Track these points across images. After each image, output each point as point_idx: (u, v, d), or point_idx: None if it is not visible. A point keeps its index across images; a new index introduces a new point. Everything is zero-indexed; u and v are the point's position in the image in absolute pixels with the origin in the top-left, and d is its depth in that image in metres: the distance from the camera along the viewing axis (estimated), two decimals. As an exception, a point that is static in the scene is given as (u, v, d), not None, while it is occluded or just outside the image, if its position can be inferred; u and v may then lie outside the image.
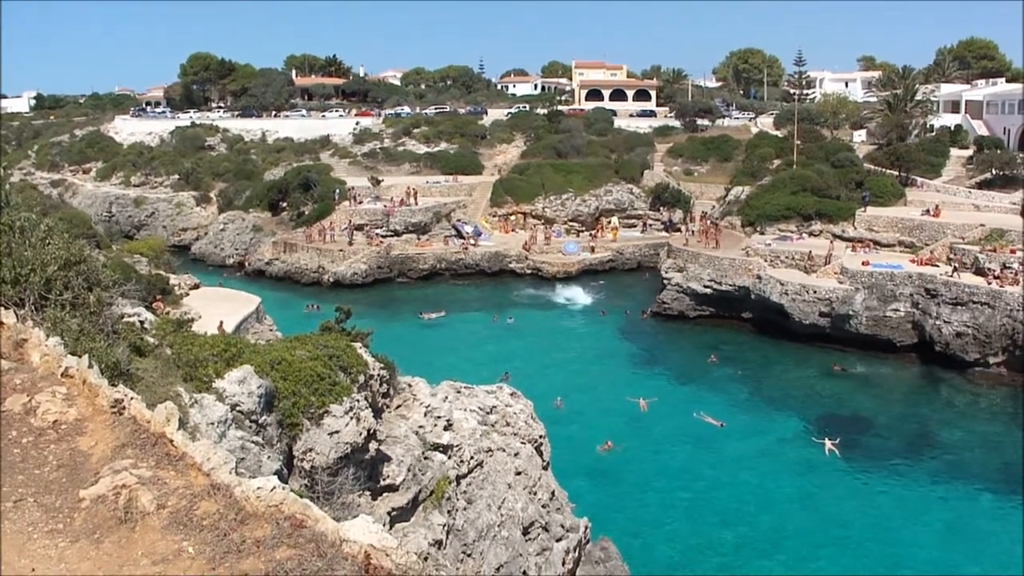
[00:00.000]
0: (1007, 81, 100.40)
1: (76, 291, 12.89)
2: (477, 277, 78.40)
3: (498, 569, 21.90)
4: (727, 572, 31.71)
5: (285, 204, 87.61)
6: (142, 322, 18.60)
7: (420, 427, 22.55)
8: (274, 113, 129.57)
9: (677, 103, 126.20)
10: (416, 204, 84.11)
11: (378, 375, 21.84)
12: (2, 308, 10.30)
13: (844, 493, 37.25)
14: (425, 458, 21.51)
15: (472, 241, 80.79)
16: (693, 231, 75.80)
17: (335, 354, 20.31)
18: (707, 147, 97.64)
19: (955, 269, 54.66)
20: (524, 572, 22.73)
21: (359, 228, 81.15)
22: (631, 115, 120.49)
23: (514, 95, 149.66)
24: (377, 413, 20.97)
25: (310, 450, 17.73)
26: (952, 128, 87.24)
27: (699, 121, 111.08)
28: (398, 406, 23.08)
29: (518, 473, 24.60)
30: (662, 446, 41.49)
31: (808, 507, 35.96)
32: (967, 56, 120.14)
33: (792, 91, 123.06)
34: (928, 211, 64.19)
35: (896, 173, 73.28)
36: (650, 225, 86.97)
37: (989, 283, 51.55)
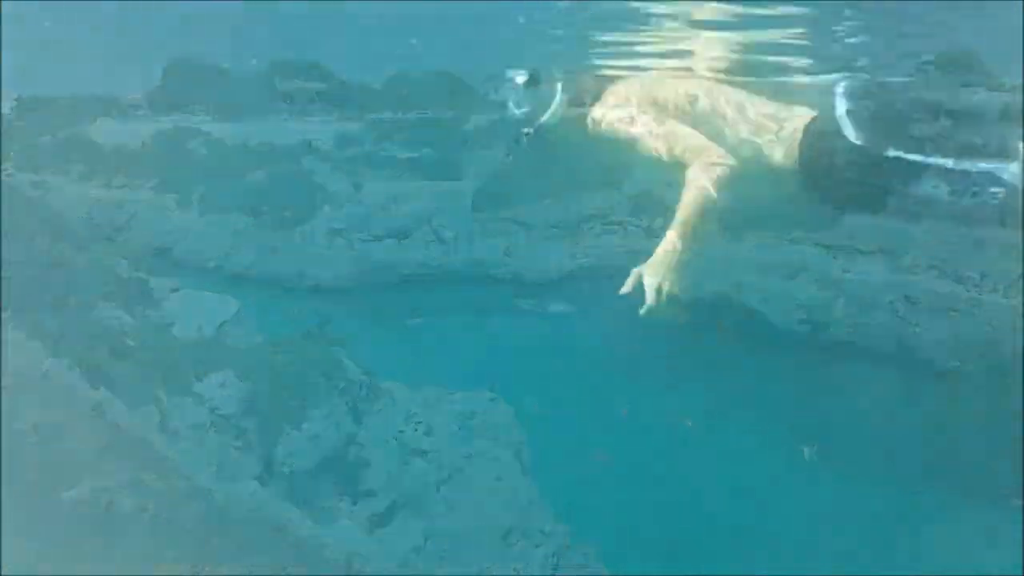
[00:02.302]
0: (988, 90, 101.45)
1: (56, 293, 12.86)
2: (459, 282, 78.40)
3: None
4: (709, 574, 31.80)
5: (267, 208, 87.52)
6: (123, 325, 18.53)
7: (400, 432, 22.57)
8: (256, 116, 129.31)
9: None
10: (398, 209, 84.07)
11: (358, 380, 21.84)
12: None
13: (826, 497, 37.42)
14: (404, 463, 21.55)
15: (457, 245, 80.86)
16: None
17: (315, 358, 20.31)
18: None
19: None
20: (503, 577, 22.77)
21: (340, 232, 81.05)
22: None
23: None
24: (357, 418, 20.98)
25: (289, 455, 17.73)
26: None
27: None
28: (378, 411, 23.09)
29: (497, 479, 24.66)
30: (643, 451, 41.55)
31: (790, 509, 36.09)
32: (948, 65, 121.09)
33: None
34: (908, 218, 64.67)
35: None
36: (632, 230, 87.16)
37: (968, 291, 51.95)
